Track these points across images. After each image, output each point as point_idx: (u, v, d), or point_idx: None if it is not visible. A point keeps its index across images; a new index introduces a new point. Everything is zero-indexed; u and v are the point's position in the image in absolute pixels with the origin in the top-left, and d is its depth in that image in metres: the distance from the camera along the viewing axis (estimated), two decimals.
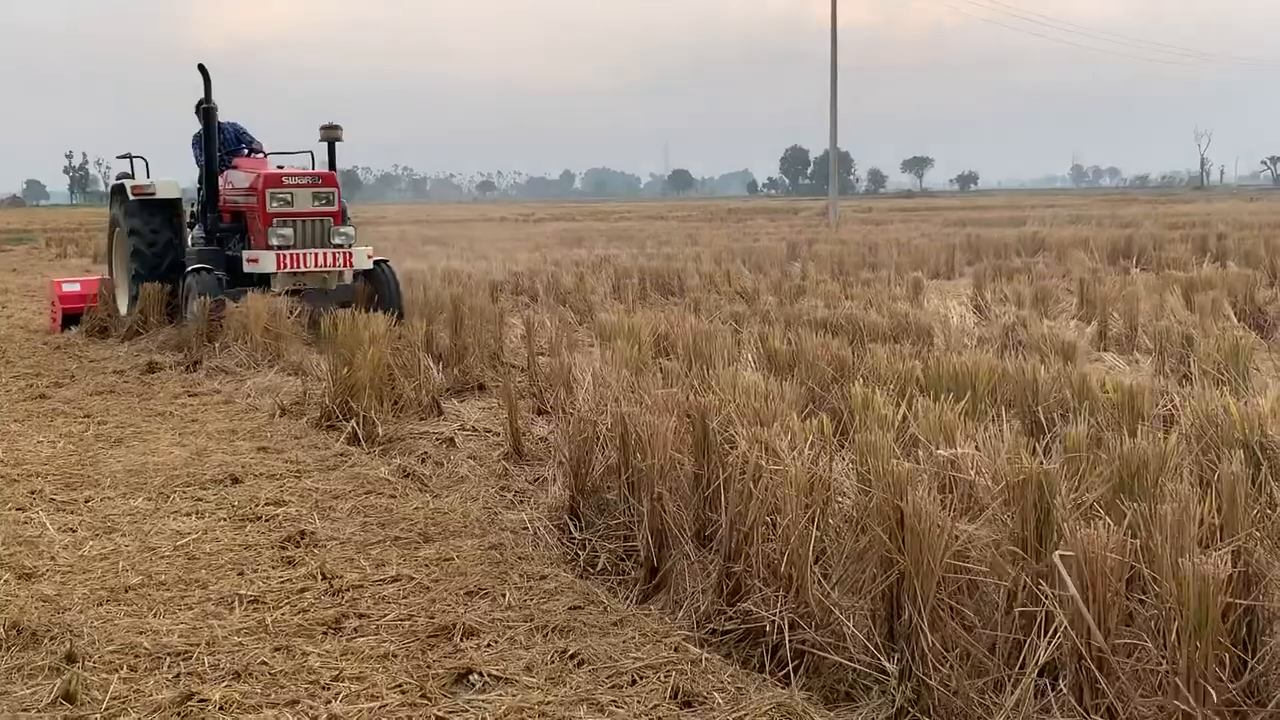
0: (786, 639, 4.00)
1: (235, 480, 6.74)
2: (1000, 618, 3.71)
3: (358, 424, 7.75)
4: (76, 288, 14.32)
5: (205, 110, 12.35)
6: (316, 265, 11.76)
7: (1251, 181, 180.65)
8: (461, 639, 4.33)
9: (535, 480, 6.57)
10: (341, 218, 12.14)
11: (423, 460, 7.12)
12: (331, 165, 12.75)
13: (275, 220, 11.76)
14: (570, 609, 4.63)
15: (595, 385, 6.30)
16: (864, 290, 12.33)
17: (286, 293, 11.50)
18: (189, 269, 11.98)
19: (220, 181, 12.63)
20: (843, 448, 5.04)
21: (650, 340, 8.76)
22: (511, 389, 7.65)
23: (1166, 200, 64.94)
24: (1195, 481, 4.06)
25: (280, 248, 11.65)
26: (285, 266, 11.61)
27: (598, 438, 5.55)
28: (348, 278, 12.06)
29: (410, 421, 8.06)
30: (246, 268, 11.78)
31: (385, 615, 4.59)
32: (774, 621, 4.04)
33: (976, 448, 4.18)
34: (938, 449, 4.23)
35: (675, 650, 4.18)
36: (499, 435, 7.57)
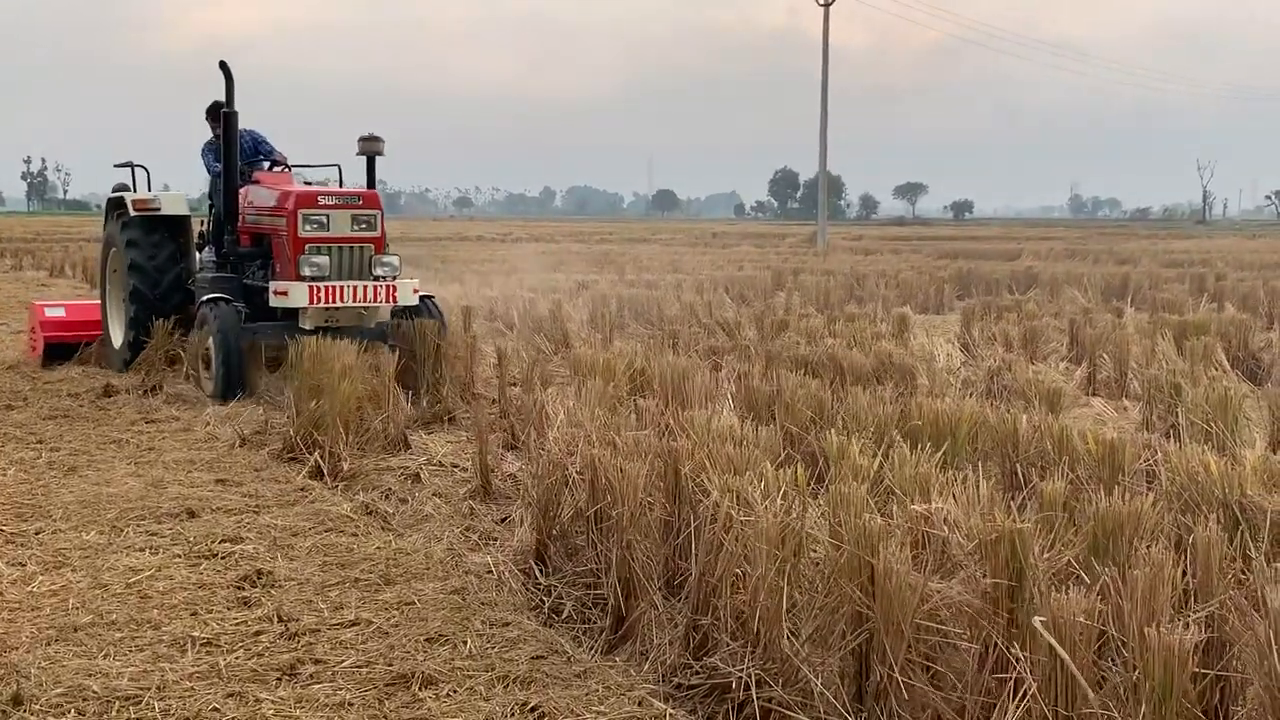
0: (754, 696, 4.08)
1: (191, 514, 6.78)
2: (971, 678, 3.80)
3: (321, 457, 7.81)
4: (61, 313, 12.95)
5: (225, 115, 10.98)
6: (355, 300, 10.46)
7: (1255, 216, 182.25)
8: (420, 688, 4.39)
9: (502, 520, 6.63)
10: (383, 245, 10.90)
11: (386, 497, 7.18)
12: (370, 183, 11.35)
13: (308, 246, 10.46)
14: (533, 658, 4.70)
15: (568, 424, 6.38)
16: (848, 326, 12.43)
17: (317, 331, 10.12)
18: (203, 300, 10.64)
19: (238, 198, 11.34)
20: (817, 496, 5.14)
21: (626, 376, 8.86)
22: (482, 424, 7.72)
23: (1167, 235, 65.45)
24: (1171, 542, 4.16)
25: (314, 279, 10.35)
26: (319, 301, 10.32)
27: (568, 481, 5.62)
28: (385, 314, 10.91)
29: (376, 455, 8.12)
30: (274, 301, 10.46)
31: (342, 661, 4.64)
32: (740, 678, 4.11)
33: (954, 500, 4.28)
34: (912, 503, 4.32)
35: (639, 705, 4.25)
36: (467, 471, 7.63)
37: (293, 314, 10.51)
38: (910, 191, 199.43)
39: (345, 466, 7.72)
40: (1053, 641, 3.34)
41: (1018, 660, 3.56)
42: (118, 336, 12.23)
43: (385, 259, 10.72)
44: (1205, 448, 5.27)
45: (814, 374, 8.82)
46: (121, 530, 6.48)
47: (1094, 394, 10.70)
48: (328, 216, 10.55)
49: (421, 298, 10.98)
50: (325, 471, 7.69)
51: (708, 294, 18.53)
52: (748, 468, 4.77)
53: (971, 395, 8.51)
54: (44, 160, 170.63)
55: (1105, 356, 11.36)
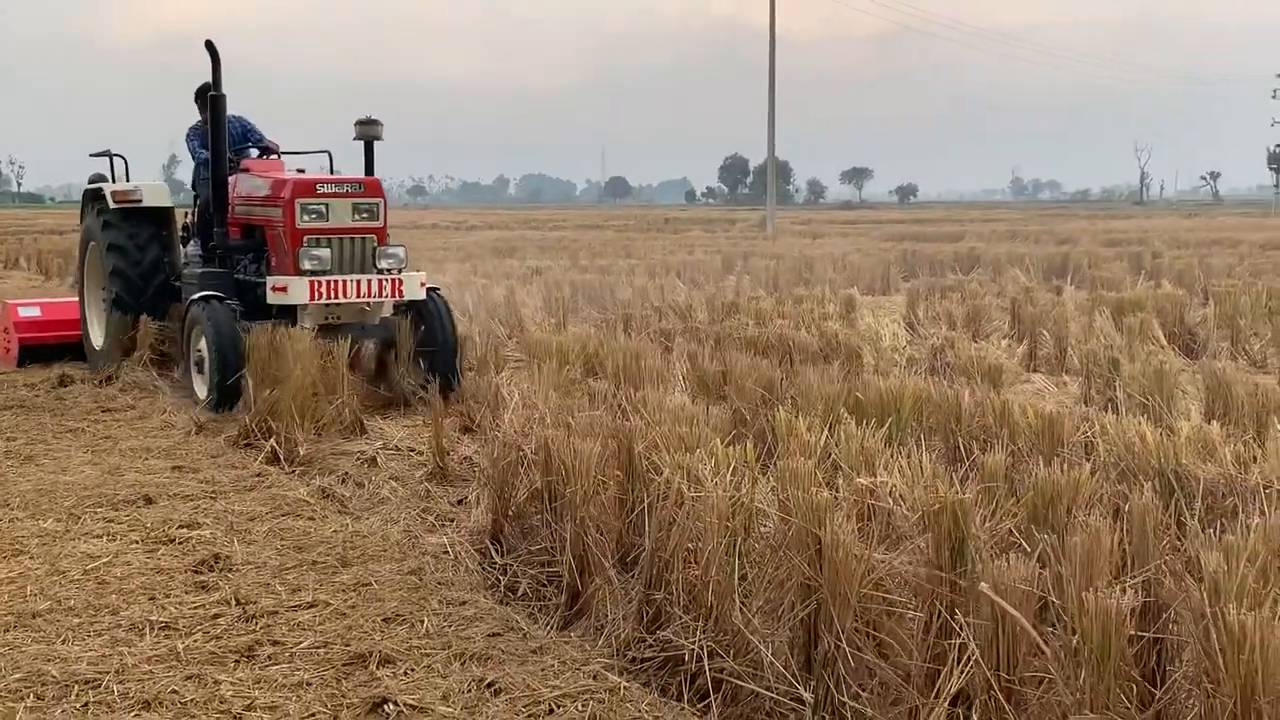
0: (706, 667, 4.09)
1: (148, 501, 6.72)
2: (916, 646, 3.83)
3: (277, 442, 7.75)
4: (36, 312, 12.13)
5: (213, 99, 10.07)
6: (359, 295, 9.63)
7: (1191, 196, 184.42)
8: (378, 667, 4.38)
9: (458, 502, 6.62)
10: (386, 235, 10.09)
11: (343, 481, 7.14)
12: (369, 170, 10.48)
13: (306, 238, 9.67)
14: (489, 636, 4.70)
15: (523, 406, 6.38)
16: (797, 308, 12.49)
17: (317, 329, 9.42)
18: (193, 297, 9.70)
19: (228, 188, 10.45)
20: (766, 472, 5.16)
21: (579, 359, 8.86)
22: (437, 407, 7.70)
23: (1106, 215, 66.13)
24: (1109, 511, 4.22)
25: (314, 273, 9.54)
26: (320, 296, 9.48)
27: (523, 461, 5.62)
28: (388, 310, 10.04)
29: (332, 440, 8.08)
30: (272, 298, 9.62)
31: (300, 643, 4.62)
32: (693, 650, 4.13)
33: (899, 474, 4.32)
34: (858, 476, 4.36)
35: (594, 679, 4.26)
36: (423, 455, 7.61)
37: (289, 311, 9.68)
38: (856, 176, 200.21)
39: (302, 452, 7.67)
40: (1001, 602, 3.37)
41: (961, 627, 3.60)
42: (99, 336, 11.48)
43: (390, 250, 9.91)
44: (1142, 420, 5.35)
45: (763, 354, 8.87)
46: (79, 518, 6.41)
47: (1035, 370, 10.82)
48: (327, 206, 9.79)
49: (428, 290, 10.12)
50: (282, 457, 7.63)
51: (660, 278, 18.55)
52: (699, 445, 4.78)
53: (916, 373, 8.58)
54: None
55: (1045, 334, 11.48)
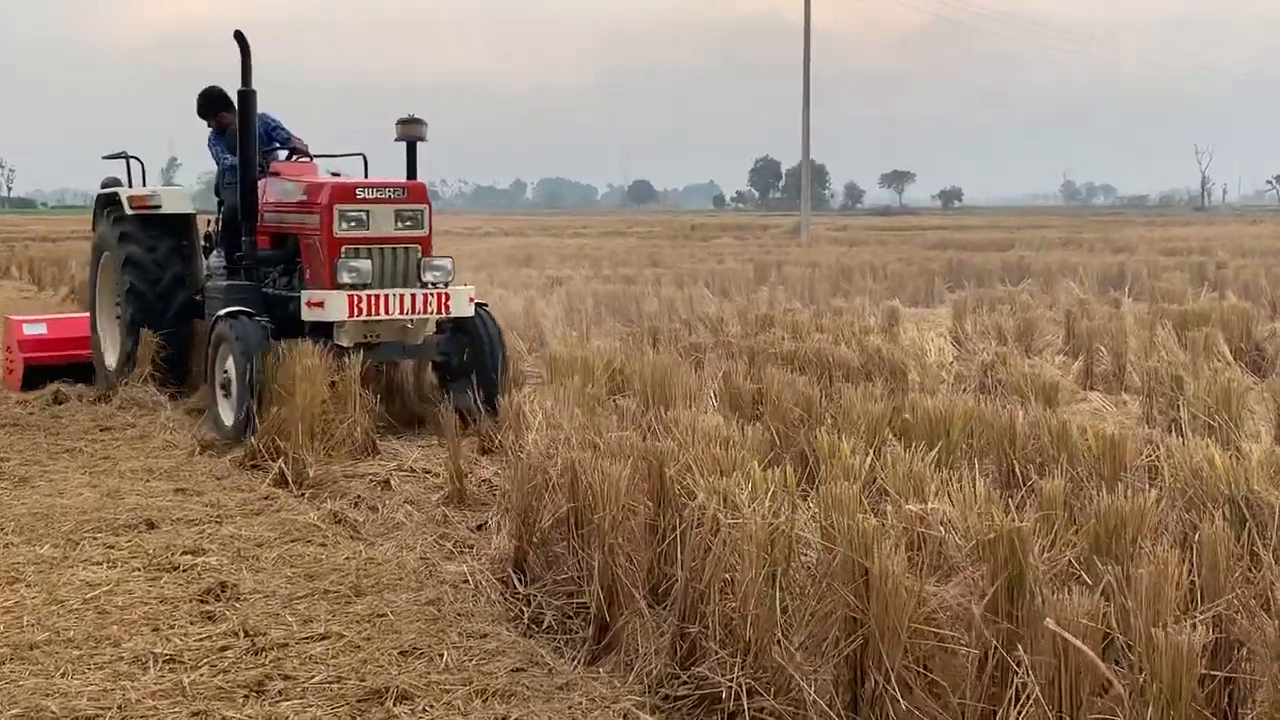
0: (745, 706, 4.09)
1: (150, 525, 6.77)
2: (970, 685, 3.82)
3: (285, 464, 7.79)
4: (42, 329, 11.79)
5: (242, 95, 9.69)
6: (402, 310, 9.23)
7: (1255, 201, 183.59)
8: (395, 703, 4.39)
9: (478, 528, 6.64)
10: (431, 245, 9.69)
11: (355, 504, 7.17)
12: (411, 173, 10.08)
13: (344, 248, 9.31)
14: (512, 671, 4.70)
15: (546, 425, 6.39)
16: (835, 320, 12.48)
17: (356, 349, 9.15)
18: (219, 314, 9.34)
19: (257, 194, 10.03)
20: (806, 497, 5.16)
21: (604, 375, 8.87)
22: (454, 426, 7.72)
23: (1164, 222, 65.83)
24: (1176, 540, 4.20)
25: (354, 287, 9.14)
26: (360, 313, 9.06)
27: (547, 485, 5.63)
28: (431, 326, 9.70)
29: (343, 461, 8.11)
30: (307, 314, 9.17)
31: (312, 677, 4.64)
32: (731, 687, 4.12)
33: (950, 499, 4.31)
34: (906, 503, 4.35)
35: (624, 717, 4.26)
36: (439, 477, 7.63)
37: (323, 328, 9.24)
38: (897, 180, 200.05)
39: (311, 473, 7.70)
40: (1071, 638, 3.36)
41: (1019, 664, 3.58)
42: (111, 355, 11.20)
43: (436, 262, 9.50)
44: (1209, 442, 5.32)
45: (801, 370, 8.86)
46: (77, 543, 6.46)
47: (1091, 388, 10.77)
48: (367, 213, 9.38)
49: (476, 307, 9.72)
50: (290, 479, 7.67)
51: (688, 289, 18.55)
52: (735, 469, 4.79)
53: (965, 391, 8.56)
54: None
55: (1102, 349, 11.43)
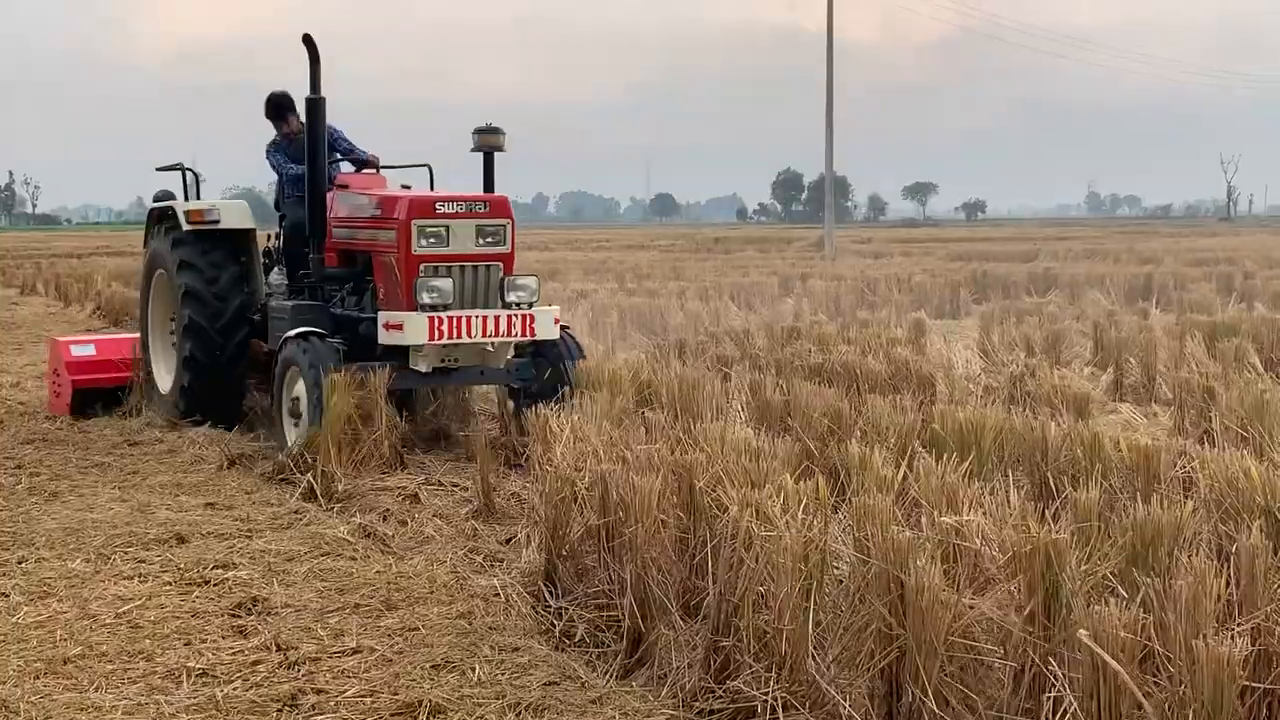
0: None
1: (181, 540, 6.80)
2: (1007, 699, 3.81)
3: (314, 478, 7.82)
4: (90, 350, 11.17)
5: (310, 103, 9.22)
6: (484, 333, 8.74)
7: None
8: (428, 717, 4.40)
9: (507, 541, 6.66)
10: (513, 263, 9.20)
11: (384, 518, 7.19)
12: (488, 186, 9.61)
13: (423, 266, 8.78)
14: (545, 685, 4.71)
15: (574, 438, 6.40)
16: (862, 332, 12.46)
17: (434, 373, 8.90)
18: (288, 335, 8.87)
19: (325, 207, 9.55)
20: (838, 510, 5.16)
21: (631, 388, 8.87)
22: (482, 440, 7.73)
23: (1190, 232, 65.51)
24: (1213, 552, 4.18)
25: (434, 307, 8.63)
26: (441, 336, 8.57)
27: (576, 497, 5.64)
28: (510, 350, 9.25)
29: (371, 475, 8.12)
30: (384, 337, 8.75)
31: (345, 691, 4.65)
32: (766, 701, 4.12)
33: (983, 513, 4.30)
34: (940, 515, 4.34)
35: None
36: (468, 490, 7.66)
37: (398, 352, 8.83)
38: (920, 191, 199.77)
39: (340, 487, 7.74)
40: (1102, 654, 3.34)
41: (1056, 678, 3.57)
42: (165, 380, 10.62)
43: (520, 281, 8.99)
44: (1244, 453, 5.29)
45: (828, 383, 8.85)
46: (108, 558, 6.49)
47: (1121, 399, 10.74)
48: (447, 228, 8.84)
49: (561, 329, 9.26)
50: (319, 493, 7.70)
51: (713, 302, 18.56)
52: (766, 481, 4.78)
53: (994, 402, 8.53)
54: (11, 173, 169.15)
55: (1132, 360, 11.40)
